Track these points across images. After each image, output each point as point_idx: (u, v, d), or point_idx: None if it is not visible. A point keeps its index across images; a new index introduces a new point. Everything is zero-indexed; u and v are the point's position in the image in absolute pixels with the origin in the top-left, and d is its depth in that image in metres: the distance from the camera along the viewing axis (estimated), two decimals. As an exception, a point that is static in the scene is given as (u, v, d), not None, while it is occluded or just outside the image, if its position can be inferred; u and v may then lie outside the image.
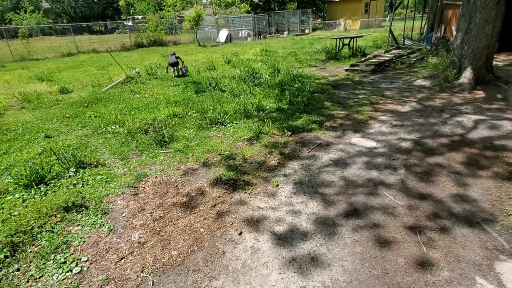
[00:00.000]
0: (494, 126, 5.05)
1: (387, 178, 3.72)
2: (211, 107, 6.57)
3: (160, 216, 3.26)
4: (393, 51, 13.20)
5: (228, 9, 32.70)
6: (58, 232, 3.04)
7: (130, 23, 30.19)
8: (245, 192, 3.61)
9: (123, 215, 3.32)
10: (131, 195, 3.69)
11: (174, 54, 11.05)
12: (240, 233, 2.93)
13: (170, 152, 4.79)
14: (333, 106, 6.60)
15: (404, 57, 11.61)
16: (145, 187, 3.86)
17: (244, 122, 5.82)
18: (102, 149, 5.06)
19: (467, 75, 7.25)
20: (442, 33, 12.74)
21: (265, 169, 4.12)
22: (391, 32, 14.42)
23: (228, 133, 5.40)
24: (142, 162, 4.51)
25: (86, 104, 7.80)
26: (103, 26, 42.65)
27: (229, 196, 3.56)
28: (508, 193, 3.26)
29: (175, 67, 11.01)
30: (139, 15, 40.14)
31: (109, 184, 3.94)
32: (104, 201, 3.57)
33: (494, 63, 8.17)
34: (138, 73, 11.08)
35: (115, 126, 6.04)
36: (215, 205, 3.39)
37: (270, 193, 3.56)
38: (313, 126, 5.50)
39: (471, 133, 4.84)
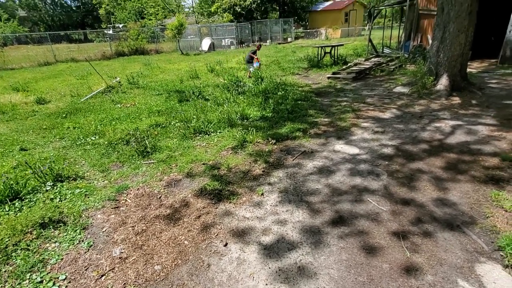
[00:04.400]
0: (470, 131, 5.24)
1: (370, 184, 3.77)
2: (194, 116, 6.51)
3: (143, 230, 3.16)
4: (373, 59, 13.57)
5: (211, 18, 32.86)
6: (34, 250, 2.89)
7: (110, 32, 29.74)
8: (230, 202, 3.56)
9: (104, 229, 3.21)
10: (112, 208, 3.57)
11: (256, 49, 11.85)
12: (226, 245, 2.88)
13: (153, 162, 4.69)
14: (317, 114, 6.68)
15: (384, 65, 11.95)
16: (127, 199, 3.75)
17: (228, 131, 5.79)
18: (81, 161, 4.90)
19: (443, 82, 7.53)
20: (418, 41, 13.22)
21: (250, 178, 4.10)
22: (370, 41, 14.85)
23: (212, 142, 5.36)
24: (124, 174, 4.39)
25: (64, 115, 7.57)
26: (82, 35, 41.81)
27: (214, 206, 3.50)
28: (485, 196, 3.36)
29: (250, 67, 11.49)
30: (120, 24, 39.69)
31: (88, 197, 3.80)
32: (83, 215, 3.44)
33: (468, 70, 8.53)
34: (119, 82, 10.88)
35: (95, 137, 5.88)
36: (199, 217, 3.32)
37: (256, 203, 3.53)
38: (297, 133, 5.54)
39: (449, 138, 5.00)
